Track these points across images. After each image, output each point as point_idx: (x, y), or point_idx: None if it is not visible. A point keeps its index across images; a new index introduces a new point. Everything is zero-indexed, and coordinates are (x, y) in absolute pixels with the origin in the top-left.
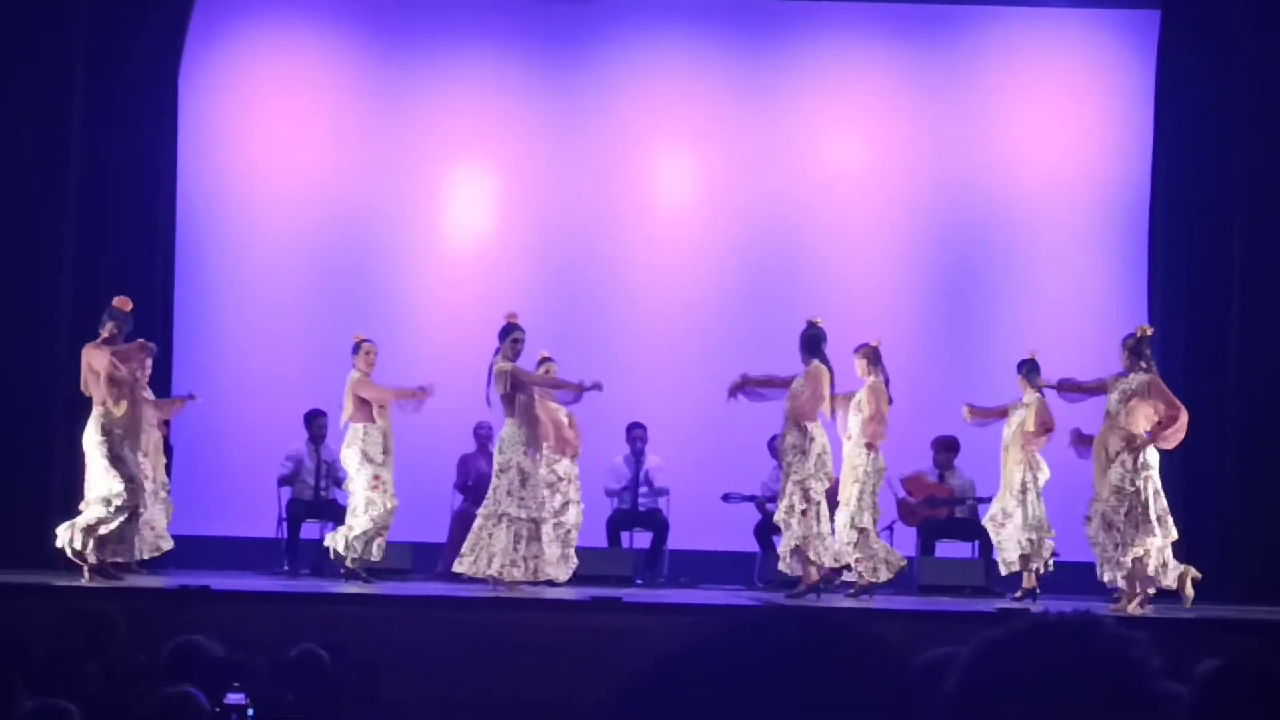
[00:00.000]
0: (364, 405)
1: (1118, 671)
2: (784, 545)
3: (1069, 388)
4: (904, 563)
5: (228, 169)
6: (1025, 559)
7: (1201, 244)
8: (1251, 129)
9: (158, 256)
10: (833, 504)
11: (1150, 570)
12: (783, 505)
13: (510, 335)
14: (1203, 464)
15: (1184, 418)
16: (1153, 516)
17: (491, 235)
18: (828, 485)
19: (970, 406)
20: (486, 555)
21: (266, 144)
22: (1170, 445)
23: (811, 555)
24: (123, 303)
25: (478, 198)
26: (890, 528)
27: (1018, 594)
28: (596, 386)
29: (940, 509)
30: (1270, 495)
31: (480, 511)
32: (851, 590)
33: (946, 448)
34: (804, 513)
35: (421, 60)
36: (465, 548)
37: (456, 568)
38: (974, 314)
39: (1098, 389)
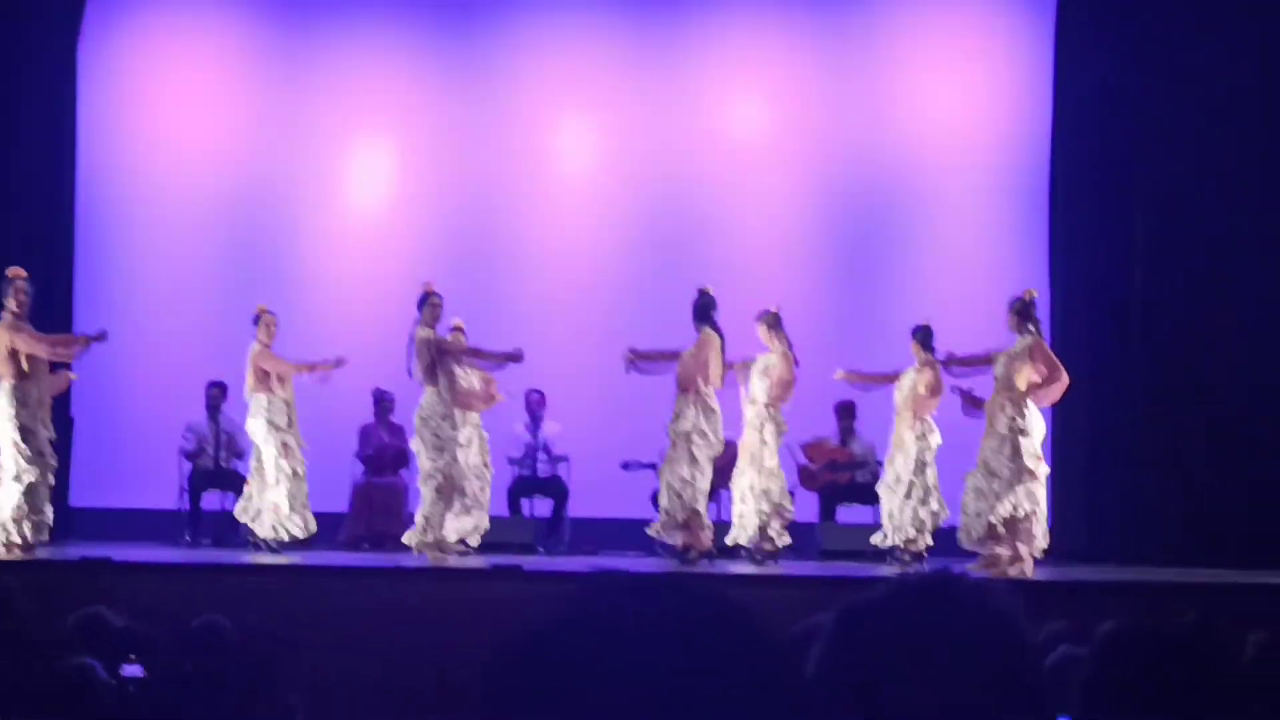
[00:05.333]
0: (266, 377)
1: (981, 625)
2: (667, 512)
3: (956, 362)
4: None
5: (127, 140)
6: (918, 527)
7: (1102, 202)
8: (1153, 85)
9: (59, 229)
10: (722, 471)
11: (1031, 529)
12: (674, 472)
13: (428, 302)
14: (1107, 428)
15: (1064, 379)
16: (1036, 472)
17: (392, 203)
18: (718, 451)
19: (846, 371)
20: (424, 521)
21: (166, 115)
22: (1045, 402)
23: (694, 523)
24: (16, 272)
25: (379, 166)
26: (791, 492)
27: (905, 558)
28: (517, 356)
29: (841, 473)
30: (1175, 457)
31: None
32: (756, 556)
33: (848, 413)
34: (692, 479)
35: (320, 29)
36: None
37: (408, 539)
38: (876, 277)
39: (984, 362)
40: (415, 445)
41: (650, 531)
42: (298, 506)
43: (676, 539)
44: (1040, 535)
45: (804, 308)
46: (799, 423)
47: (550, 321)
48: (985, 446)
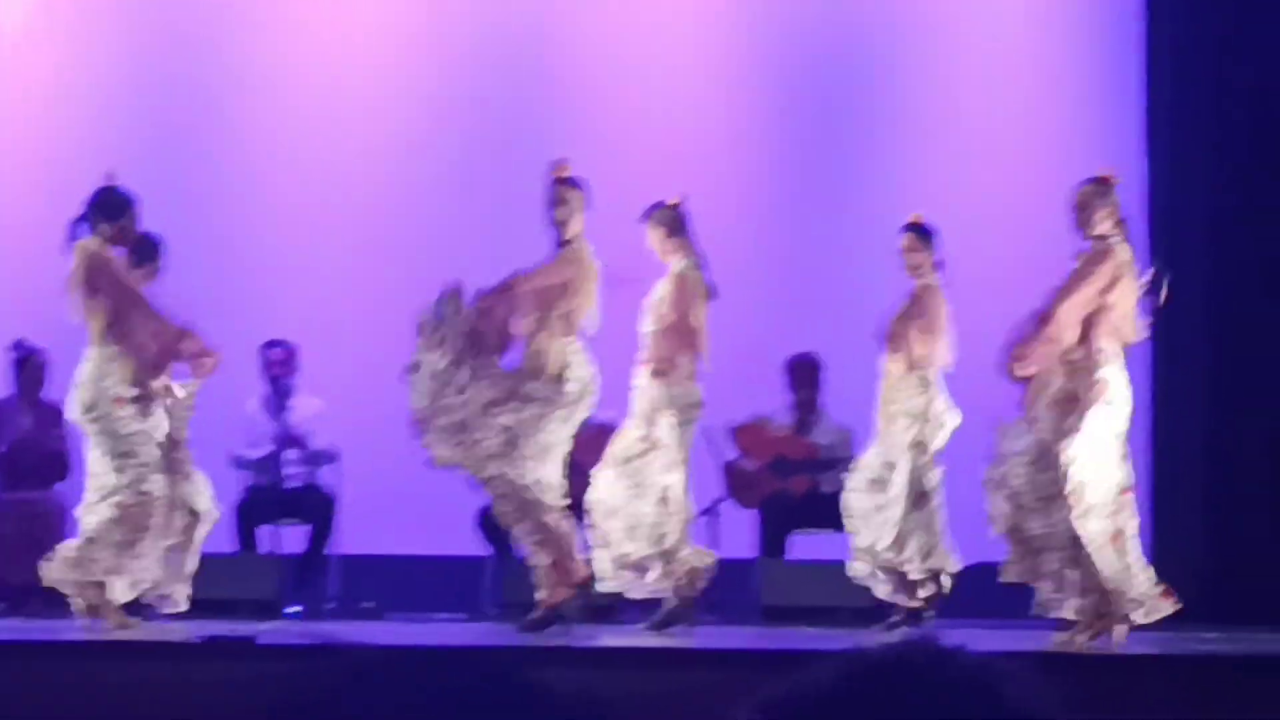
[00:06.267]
0: None
1: None
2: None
3: (1027, 347)
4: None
5: None
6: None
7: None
8: None
9: None
10: (585, 468)
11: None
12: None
13: (110, 203)
14: (1235, 423)
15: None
16: (1114, 478)
17: (44, 30)
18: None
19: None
20: (71, 560)
21: None
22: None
23: (549, 566)
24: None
25: None
26: (713, 510)
27: (895, 617)
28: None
29: (795, 478)
30: None
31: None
32: (658, 616)
33: (807, 376)
34: (543, 482)
35: None
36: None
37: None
38: (856, 156)
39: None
40: (87, 433)
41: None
42: None
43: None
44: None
45: (735, 205)
46: (725, 392)
47: (305, 230)
48: (1038, 430)
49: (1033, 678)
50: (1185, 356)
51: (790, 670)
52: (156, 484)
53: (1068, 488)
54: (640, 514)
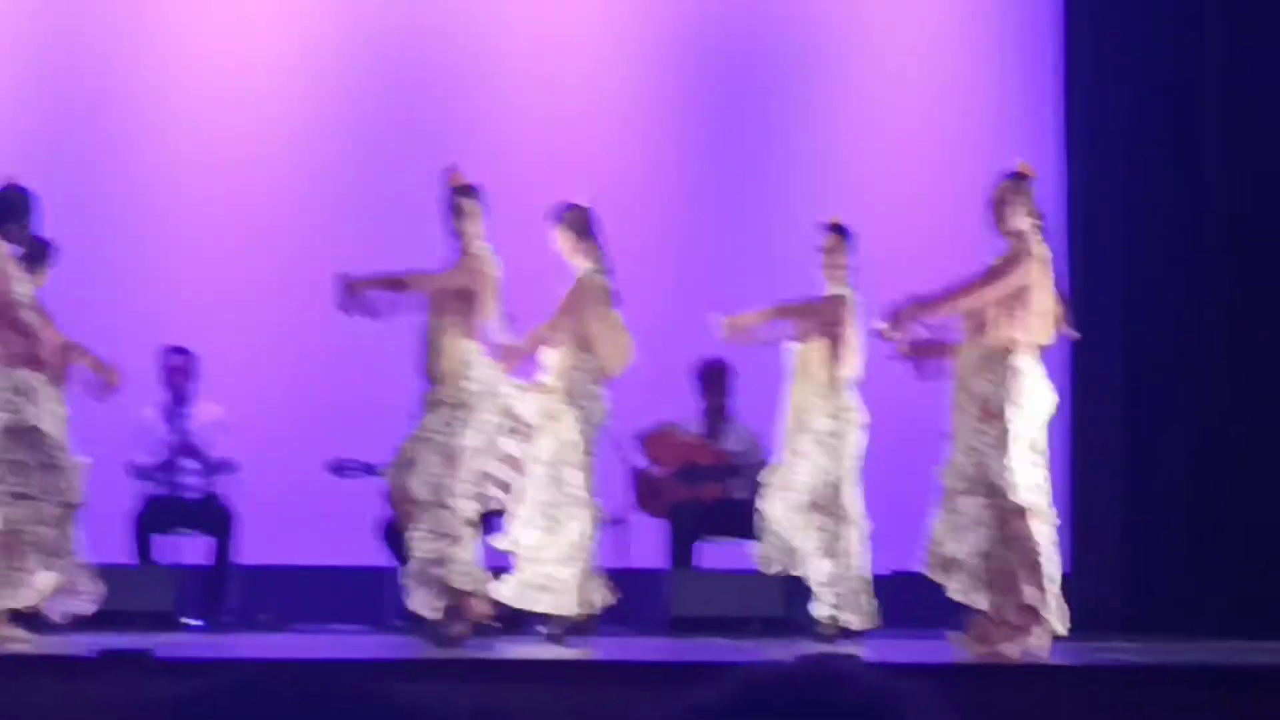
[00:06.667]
0: None
1: None
2: (410, 566)
3: (914, 313)
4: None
5: None
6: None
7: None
8: None
9: None
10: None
11: (1039, 578)
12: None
13: (15, 206)
14: (1157, 431)
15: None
16: (1033, 490)
17: None
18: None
19: (733, 318)
20: None
21: None
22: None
23: (451, 576)
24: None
25: None
26: (622, 519)
27: (823, 627)
28: None
29: (705, 485)
30: (1265, 473)
31: None
32: (549, 627)
33: (717, 384)
34: (448, 490)
35: None
36: None
37: None
38: (769, 156)
39: (966, 298)
40: None
41: (412, 605)
42: None
43: (435, 601)
44: (1053, 588)
45: (641, 207)
46: (633, 398)
47: (205, 235)
48: (961, 449)
49: (934, 700)
50: (1102, 361)
51: (696, 683)
52: (22, 510)
53: (1014, 497)
54: (542, 562)
